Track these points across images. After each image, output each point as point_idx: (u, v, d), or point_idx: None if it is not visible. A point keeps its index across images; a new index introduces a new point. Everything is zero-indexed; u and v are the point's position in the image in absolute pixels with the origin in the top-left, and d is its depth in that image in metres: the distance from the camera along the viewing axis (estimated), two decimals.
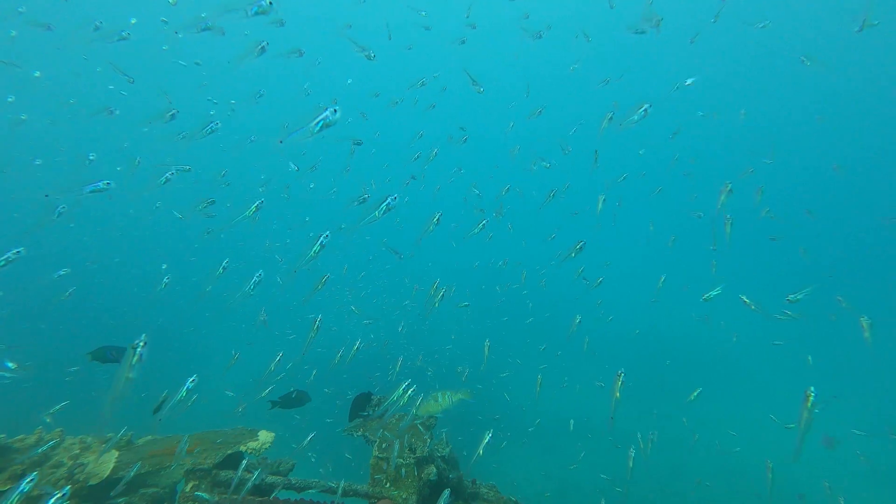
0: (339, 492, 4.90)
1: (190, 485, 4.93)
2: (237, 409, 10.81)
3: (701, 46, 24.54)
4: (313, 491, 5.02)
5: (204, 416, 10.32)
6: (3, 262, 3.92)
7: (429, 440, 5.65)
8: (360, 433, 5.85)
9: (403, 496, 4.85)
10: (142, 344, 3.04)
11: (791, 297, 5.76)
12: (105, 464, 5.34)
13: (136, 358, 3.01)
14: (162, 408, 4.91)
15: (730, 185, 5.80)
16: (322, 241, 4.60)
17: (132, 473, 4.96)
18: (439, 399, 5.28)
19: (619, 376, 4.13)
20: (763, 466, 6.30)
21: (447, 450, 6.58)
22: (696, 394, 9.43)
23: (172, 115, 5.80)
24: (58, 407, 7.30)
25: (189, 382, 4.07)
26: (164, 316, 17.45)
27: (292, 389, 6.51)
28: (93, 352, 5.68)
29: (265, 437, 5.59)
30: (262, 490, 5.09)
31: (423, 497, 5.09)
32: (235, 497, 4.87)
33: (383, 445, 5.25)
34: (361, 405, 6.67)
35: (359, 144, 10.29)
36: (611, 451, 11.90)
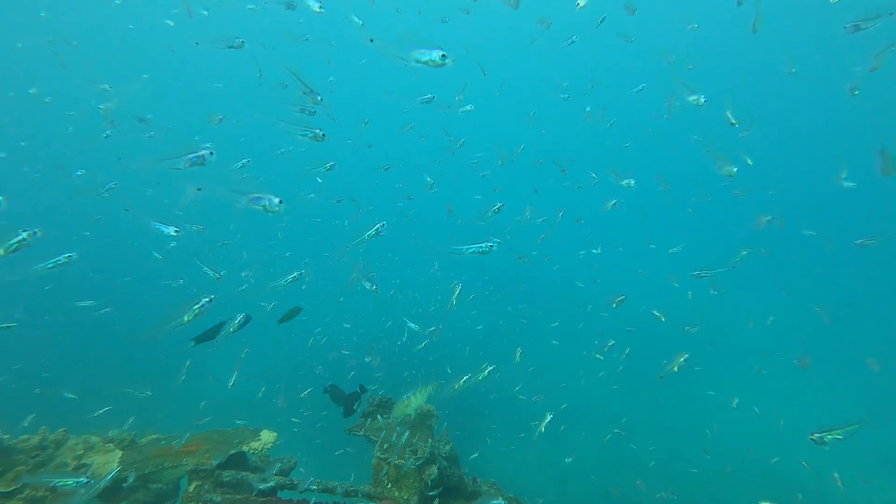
0: (341, 492, 4.95)
1: (193, 485, 4.97)
2: (258, 395, 11.04)
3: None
4: (315, 490, 5.06)
5: (204, 413, 10.41)
6: (51, 265, 3.98)
7: (430, 440, 5.68)
8: (361, 433, 5.89)
9: (405, 497, 4.89)
10: (207, 300, 3.69)
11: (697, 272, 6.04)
12: (109, 464, 5.38)
13: (198, 308, 3.64)
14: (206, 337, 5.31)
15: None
16: (378, 228, 4.90)
17: (130, 480, 4.99)
18: (411, 400, 5.41)
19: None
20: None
21: (448, 447, 6.63)
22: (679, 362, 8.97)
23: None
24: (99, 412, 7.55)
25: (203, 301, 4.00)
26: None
27: (295, 307, 6.69)
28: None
29: (267, 437, 5.63)
30: (263, 490, 5.14)
31: (425, 498, 5.14)
32: (239, 497, 4.92)
33: (385, 446, 5.29)
34: (353, 401, 6.73)
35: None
36: (610, 438, 12.11)
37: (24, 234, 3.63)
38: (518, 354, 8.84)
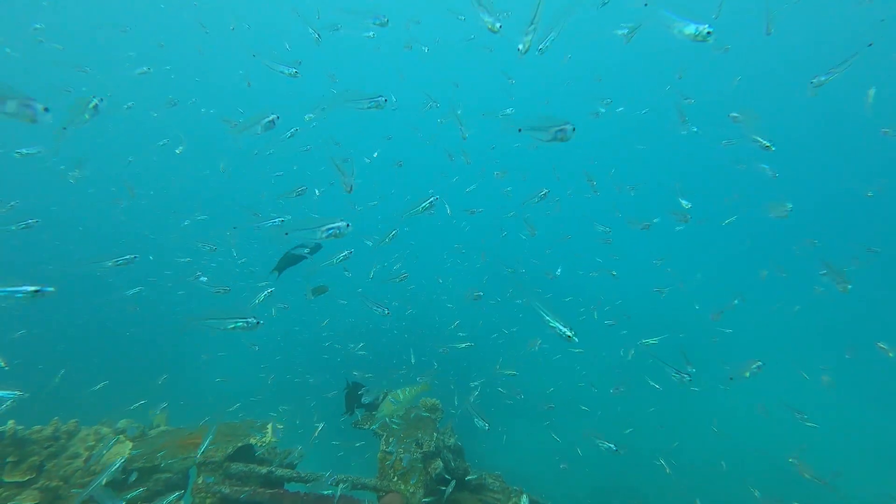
0: (348, 485, 5.01)
1: (202, 477, 5.05)
2: (268, 381, 11.19)
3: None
4: (321, 483, 5.12)
5: (210, 408, 10.54)
6: (122, 262, 4.26)
7: (435, 433, 5.72)
8: (367, 426, 5.94)
9: (410, 490, 4.94)
10: (254, 321, 3.82)
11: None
12: (120, 455, 5.47)
13: (239, 325, 3.78)
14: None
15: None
16: (431, 201, 5.07)
17: (132, 477, 5.08)
18: (400, 397, 5.44)
19: None
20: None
21: (453, 440, 6.68)
22: (654, 341, 8.88)
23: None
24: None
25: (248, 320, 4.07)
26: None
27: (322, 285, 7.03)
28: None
29: (274, 430, 5.69)
30: (271, 482, 5.21)
31: (430, 490, 5.19)
32: (247, 489, 5.00)
33: (391, 440, 5.33)
34: (355, 396, 6.77)
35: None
36: (612, 425, 12.20)
37: (96, 100, 3.86)
38: (536, 344, 9.01)
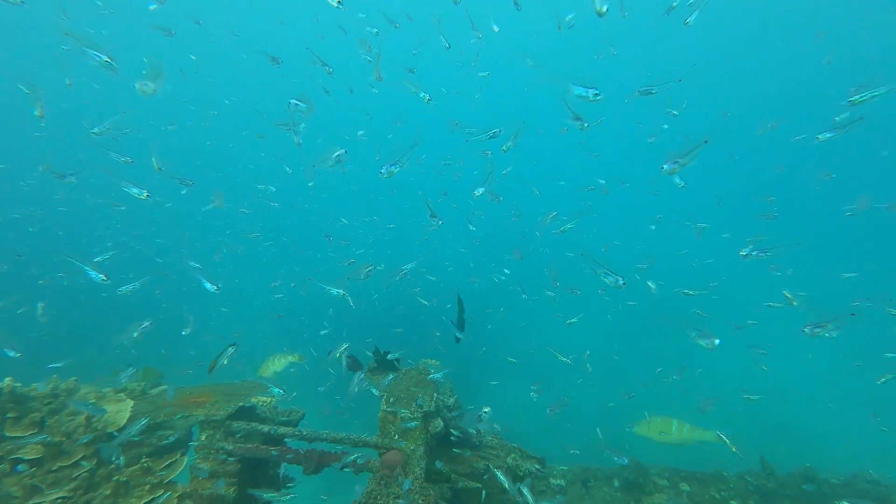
0: (349, 443, 5.06)
1: (205, 435, 5.09)
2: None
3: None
4: (323, 441, 5.18)
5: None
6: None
7: (435, 393, 5.76)
8: (366, 386, 5.97)
9: (412, 447, 5.01)
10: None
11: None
12: (122, 413, 5.49)
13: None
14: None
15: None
16: (495, 132, 5.29)
17: (134, 430, 5.09)
18: (275, 361, 5.69)
19: None
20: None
21: (452, 399, 6.77)
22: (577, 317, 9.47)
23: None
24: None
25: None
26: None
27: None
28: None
29: (274, 390, 5.70)
30: (273, 440, 5.27)
31: (431, 448, 5.27)
32: (250, 446, 5.05)
33: (391, 399, 5.36)
34: (359, 361, 6.78)
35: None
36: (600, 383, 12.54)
37: (341, 151, 4.49)
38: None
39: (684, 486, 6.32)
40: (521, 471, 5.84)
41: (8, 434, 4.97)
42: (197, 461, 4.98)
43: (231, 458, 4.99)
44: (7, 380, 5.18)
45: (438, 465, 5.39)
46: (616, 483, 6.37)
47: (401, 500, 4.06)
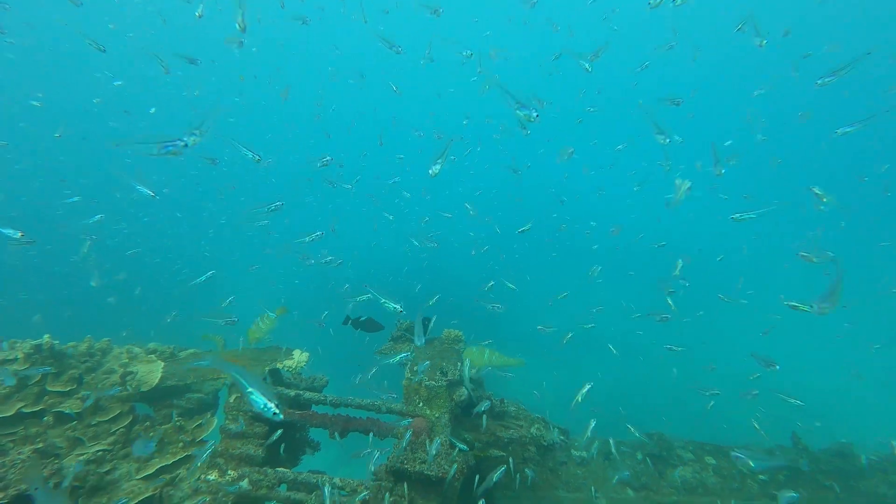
0: (374, 409, 5.08)
1: (234, 396, 5.18)
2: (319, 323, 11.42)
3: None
4: (348, 407, 5.22)
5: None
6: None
7: (458, 363, 5.72)
8: (391, 354, 5.96)
9: (436, 415, 5.00)
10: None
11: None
12: (153, 373, 5.63)
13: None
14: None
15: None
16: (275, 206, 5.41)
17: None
18: (260, 324, 5.79)
19: None
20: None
21: (475, 371, 6.73)
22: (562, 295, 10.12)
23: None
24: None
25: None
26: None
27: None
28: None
29: (300, 356, 5.75)
30: (300, 405, 5.34)
31: (455, 416, 5.26)
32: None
33: (415, 368, 5.33)
34: (376, 325, 6.74)
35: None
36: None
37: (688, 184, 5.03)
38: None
39: (710, 460, 6.21)
40: (545, 440, 5.81)
41: (49, 388, 5.16)
42: (227, 422, 5.09)
43: (258, 421, 5.09)
44: (46, 336, 5.34)
45: (462, 433, 5.39)
46: (639, 455, 6.30)
47: (427, 465, 4.06)
